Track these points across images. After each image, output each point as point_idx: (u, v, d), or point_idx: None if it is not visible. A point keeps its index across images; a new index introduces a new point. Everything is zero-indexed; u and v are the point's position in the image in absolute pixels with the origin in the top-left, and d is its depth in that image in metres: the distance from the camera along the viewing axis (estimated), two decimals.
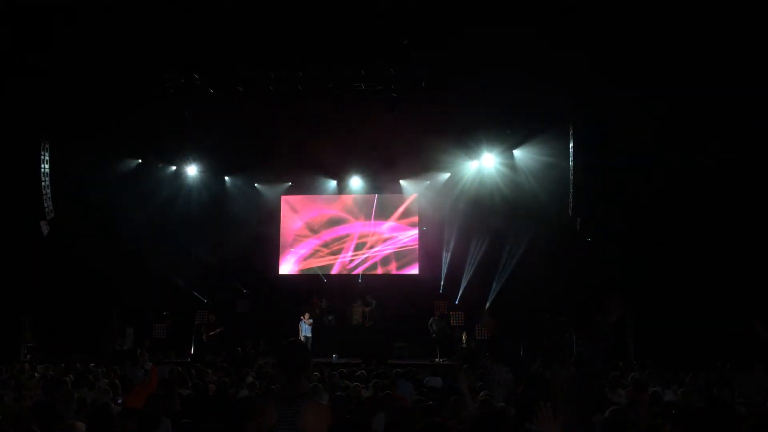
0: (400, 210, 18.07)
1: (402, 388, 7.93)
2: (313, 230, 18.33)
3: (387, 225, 18.12)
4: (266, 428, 3.01)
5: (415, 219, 17.87)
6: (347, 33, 12.15)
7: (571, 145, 14.67)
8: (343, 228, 18.32)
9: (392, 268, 17.87)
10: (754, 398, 6.06)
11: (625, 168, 13.61)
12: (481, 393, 6.34)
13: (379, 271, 17.89)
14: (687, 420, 2.23)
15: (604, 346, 3.96)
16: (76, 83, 13.64)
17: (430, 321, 15.22)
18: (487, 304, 15.36)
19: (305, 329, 15.06)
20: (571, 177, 14.70)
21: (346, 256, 18.20)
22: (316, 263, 18.17)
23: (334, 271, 18.08)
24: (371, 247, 18.10)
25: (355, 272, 17.88)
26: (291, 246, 18.25)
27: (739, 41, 11.19)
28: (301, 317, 15.35)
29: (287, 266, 18.24)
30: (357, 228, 18.26)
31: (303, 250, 18.28)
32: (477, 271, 15.85)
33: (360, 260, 18.11)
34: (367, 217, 18.28)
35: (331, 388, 7.55)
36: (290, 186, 18.21)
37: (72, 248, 14.78)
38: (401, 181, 17.76)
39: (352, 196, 18.19)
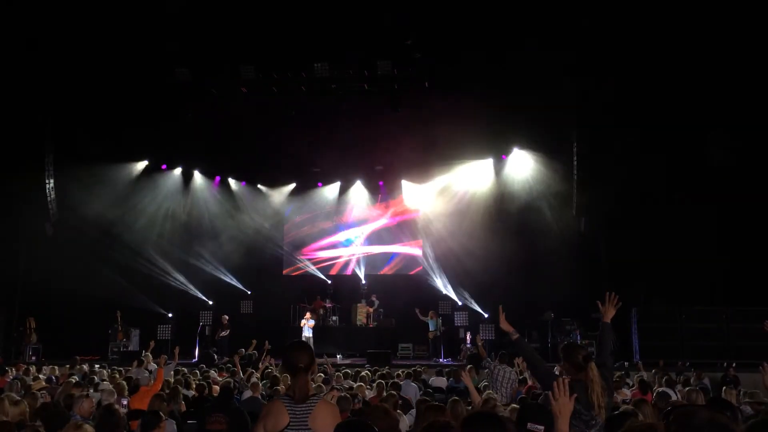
0: (404, 210, 18.05)
1: (407, 388, 7.93)
2: (317, 231, 18.36)
3: (390, 225, 18.10)
4: (278, 429, 3.02)
5: (419, 220, 17.84)
6: (350, 34, 12.16)
7: (574, 144, 14.66)
8: (347, 228, 18.32)
9: (396, 269, 17.86)
10: (762, 398, 6.03)
11: (628, 167, 13.59)
12: (485, 392, 6.34)
13: (383, 271, 17.88)
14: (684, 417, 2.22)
15: (611, 346, 3.96)
16: (81, 86, 13.71)
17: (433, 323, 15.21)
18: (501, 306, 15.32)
19: (306, 329, 15.07)
20: (575, 176, 14.69)
21: (349, 256, 18.21)
22: (319, 264, 18.22)
23: (338, 271, 18.09)
24: (374, 246, 18.11)
25: (359, 273, 17.88)
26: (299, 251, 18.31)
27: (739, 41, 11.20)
28: (303, 318, 15.37)
29: (291, 267, 18.28)
30: (360, 228, 18.27)
31: (307, 250, 18.34)
32: (481, 271, 15.81)
33: (363, 260, 18.11)
34: (371, 218, 18.27)
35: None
36: (294, 187, 18.21)
37: (77, 249, 14.83)
38: (405, 182, 17.74)
39: (356, 196, 18.16)
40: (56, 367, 10.41)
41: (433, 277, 16.92)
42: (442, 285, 16.65)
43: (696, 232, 13.06)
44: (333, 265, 18.26)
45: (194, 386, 8.03)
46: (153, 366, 9.65)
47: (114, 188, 15.80)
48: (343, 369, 10.39)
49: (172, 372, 9.15)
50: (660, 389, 7.38)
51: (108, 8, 11.45)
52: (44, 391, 7.28)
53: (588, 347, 12.66)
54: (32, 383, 8.08)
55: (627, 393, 7.69)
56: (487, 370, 8.27)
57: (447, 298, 16.39)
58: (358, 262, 18.12)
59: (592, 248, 14.76)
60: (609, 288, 4.12)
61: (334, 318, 16.72)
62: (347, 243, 18.32)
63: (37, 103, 14.13)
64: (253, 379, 8.18)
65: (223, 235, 17.18)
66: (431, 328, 15.09)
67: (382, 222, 18.18)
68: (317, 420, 3.03)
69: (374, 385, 7.88)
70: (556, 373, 4.09)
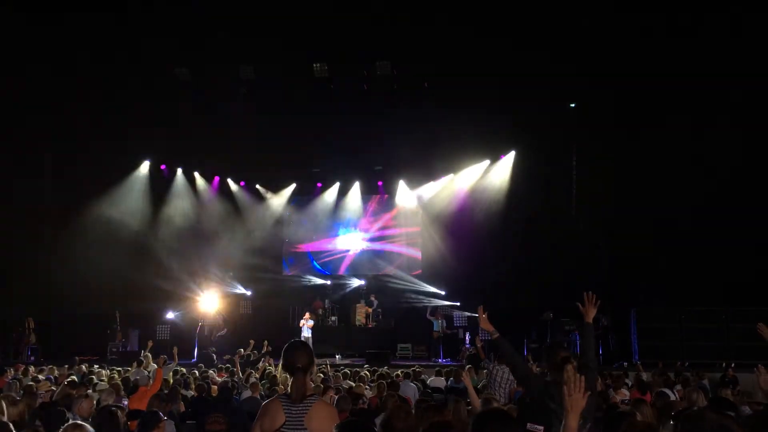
0: (404, 211, 18.02)
1: (405, 388, 7.93)
2: (317, 232, 18.37)
3: (390, 225, 18.09)
4: (274, 429, 3.02)
5: (418, 220, 17.82)
6: (350, 34, 12.17)
7: (574, 144, 14.67)
8: (346, 228, 18.31)
9: (395, 269, 17.84)
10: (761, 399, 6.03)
11: (628, 167, 13.61)
12: (484, 393, 6.35)
13: (382, 272, 17.86)
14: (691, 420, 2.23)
15: (595, 344, 4.01)
16: (81, 86, 13.71)
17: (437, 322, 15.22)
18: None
19: (305, 330, 15.07)
20: (574, 176, 14.69)
21: (348, 256, 18.22)
22: (319, 263, 18.24)
23: (337, 271, 18.10)
24: (374, 247, 18.11)
25: (357, 273, 17.88)
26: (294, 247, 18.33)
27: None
28: (302, 318, 15.38)
29: (290, 267, 18.30)
30: (360, 229, 18.26)
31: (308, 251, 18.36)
32: (481, 272, 15.81)
33: (362, 261, 18.11)
34: (371, 219, 18.27)
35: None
36: (294, 188, 18.20)
37: (75, 249, 14.82)
38: (404, 182, 17.73)
39: (356, 196, 18.14)
40: (55, 368, 10.41)
41: (432, 277, 16.91)
42: (442, 285, 16.63)
43: (696, 232, 13.06)
44: (332, 265, 18.26)
45: (193, 386, 8.03)
46: (153, 366, 9.64)
47: (113, 188, 15.79)
48: (342, 369, 10.39)
49: (171, 372, 9.15)
50: (658, 389, 7.38)
51: (108, 8, 11.44)
52: (43, 392, 7.29)
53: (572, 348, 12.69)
54: (36, 384, 8.07)
55: (626, 393, 7.69)
56: (486, 370, 8.27)
57: (446, 298, 16.38)
58: (357, 262, 18.13)
59: (592, 248, 14.76)
60: (609, 288, 4.15)
61: (333, 318, 16.72)
62: (346, 243, 18.31)
63: (37, 102, 14.12)
64: (252, 379, 8.18)
65: (222, 236, 17.18)
66: (435, 328, 15.11)
67: (382, 222, 18.16)
68: (313, 420, 3.02)
69: (374, 385, 7.88)
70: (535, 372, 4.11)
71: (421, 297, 16.49)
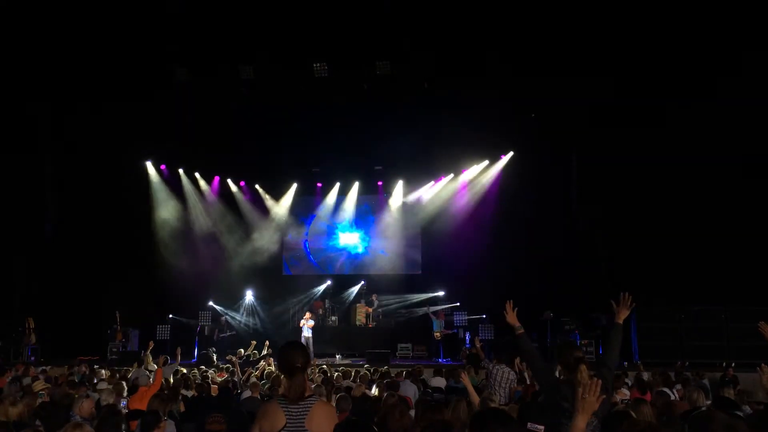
0: (404, 211, 18.01)
1: (406, 388, 7.93)
2: (317, 232, 18.39)
3: (390, 225, 18.08)
4: (274, 430, 3.01)
5: (418, 220, 17.82)
6: (349, 34, 12.17)
7: (575, 145, 14.67)
8: (346, 228, 18.32)
9: (395, 269, 17.84)
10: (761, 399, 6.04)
11: (629, 167, 13.61)
12: (485, 392, 6.36)
13: (382, 271, 17.86)
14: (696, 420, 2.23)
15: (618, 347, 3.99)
16: (80, 86, 13.70)
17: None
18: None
19: (306, 330, 15.08)
20: (575, 176, 14.69)
21: (348, 256, 18.23)
22: (318, 264, 18.24)
23: (337, 271, 18.11)
24: (374, 247, 18.11)
25: (357, 273, 17.88)
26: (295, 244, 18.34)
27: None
28: (303, 318, 15.39)
29: (290, 267, 18.31)
30: (360, 229, 18.28)
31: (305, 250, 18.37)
32: (481, 271, 15.82)
33: (363, 260, 18.12)
34: (371, 218, 18.27)
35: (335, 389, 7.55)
36: (294, 187, 18.20)
37: (76, 249, 14.82)
38: (404, 182, 17.73)
39: (355, 196, 18.16)
40: (55, 368, 10.41)
41: (432, 277, 16.91)
42: (442, 285, 16.62)
43: (696, 232, 13.06)
44: (332, 265, 18.27)
45: (193, 386, 8.03)
46: (154, 366, 9.65)
47: (113, 188, 15.78)
48: (342, 369, 10.39)
49: (172, 372, 9.15)
50: (658, 389, 7.38)
51: (108, 7, 11.44)
52: (44, 391, 7.28)
53: (587, 347, 12.67)
54: (33, 383, 8.07)
55: (626, 393, 7.70)
56: (485, 369, 8.28)
57: (446, 298, 16.38)
58: (357, 262, 18.14)
59: (592, 248, 14.76)
60: (609, 288, 4.13)
61: (333, 318, 16.72)
62: (346, 243, 18.32)
63: (36, 101, 14.12)
64: (252, 379, 8.18)
65: (222, 236, 17.19)
66: (435, 328, 15.13)
67: (382, 222, 18.15)
68: (314, 420, 3.01)
69: (374, 386, 7.88)
70: (557, 374, 4.09)
71: (421, 297, 16.52)
